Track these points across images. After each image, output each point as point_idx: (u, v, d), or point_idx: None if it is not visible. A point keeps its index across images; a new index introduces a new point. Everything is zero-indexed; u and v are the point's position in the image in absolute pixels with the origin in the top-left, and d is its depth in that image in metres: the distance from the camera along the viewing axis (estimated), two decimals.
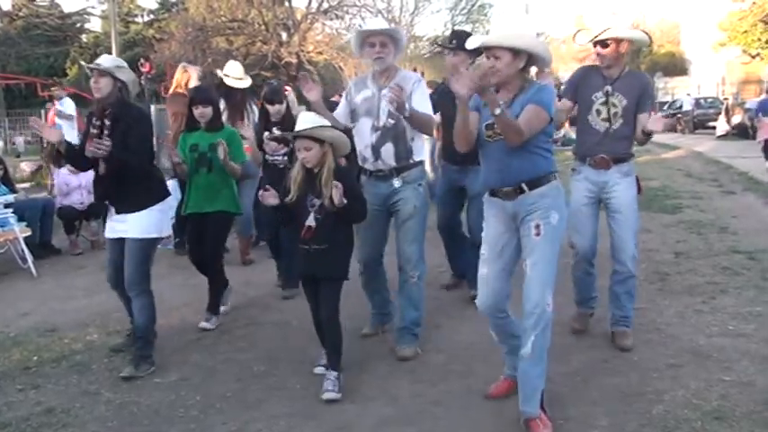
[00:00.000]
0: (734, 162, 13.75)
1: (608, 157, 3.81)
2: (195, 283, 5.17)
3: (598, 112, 3.84)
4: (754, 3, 32.17)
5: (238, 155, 4.65)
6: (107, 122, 3.75)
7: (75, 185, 7.33)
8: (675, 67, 45.66)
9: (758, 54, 33.46)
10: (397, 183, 3.88)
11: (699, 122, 25.56)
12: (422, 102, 3.84)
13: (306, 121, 3.44)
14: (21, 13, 32.05)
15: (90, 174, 4.04)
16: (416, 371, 3.71)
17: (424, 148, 4.03)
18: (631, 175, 3.89)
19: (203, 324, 4.52)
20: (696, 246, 6.31)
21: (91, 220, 7.35)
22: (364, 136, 3.92)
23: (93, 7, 35.61)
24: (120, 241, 3.86)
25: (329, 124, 3.49)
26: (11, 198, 6.70)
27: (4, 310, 5.27)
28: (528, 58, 2.94)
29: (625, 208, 3.83)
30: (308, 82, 3.83)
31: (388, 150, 3.86)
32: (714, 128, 21.91)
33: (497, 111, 2.78)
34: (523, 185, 2.97)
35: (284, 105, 4.98)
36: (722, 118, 20.71)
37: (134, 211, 3.81)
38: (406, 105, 3.66)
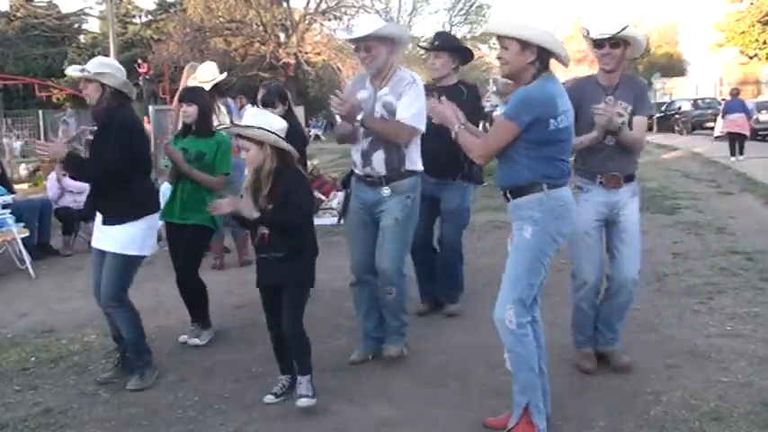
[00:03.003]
0: (731, 163, 13.79)
1: (619, 174, 3.49)
2: None
3: None
4: (751, 3, 32.29)
5: (222, 165, 4.26)
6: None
7: (69, 185, 7.32)
8: (673, 68, 45.65)
9: (756, 55, 33.57)
10: (386, 192, 3.67)
11: (696, 123, 25.55)
12: (407, 107, 3.58)
13: (247, 118, 3.22)
14: (18, 14, 32.02)
15: None
16: (414, 371, 3.71)
17: (418, 157, 3.74)
18: (638, 194, 3.61)
19: (193, 340, 4.26)
20: (694, 246, 6.32)
21: (89, 221, 7.33)
22: (357, 139, 3.73)
23: (90, 8, 35.62)
24: (104, 253, 3.64)
25: (264, 125, 3.14)
26: (9, 199, 6.69)
27: (2, 310, 5.27)
28: (539, 52, 2.77)
29: (633, 227, 3.53)
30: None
31: (378, 158, 3.65)
32: (712, 129, 21.90)
33: None
34: (507, 193, 2.91)
35: (279, 109, 4.73)
36: (720, 119, 20.69)
37: (114, 224, 3.59)
38: (358, 116, 3.54)
